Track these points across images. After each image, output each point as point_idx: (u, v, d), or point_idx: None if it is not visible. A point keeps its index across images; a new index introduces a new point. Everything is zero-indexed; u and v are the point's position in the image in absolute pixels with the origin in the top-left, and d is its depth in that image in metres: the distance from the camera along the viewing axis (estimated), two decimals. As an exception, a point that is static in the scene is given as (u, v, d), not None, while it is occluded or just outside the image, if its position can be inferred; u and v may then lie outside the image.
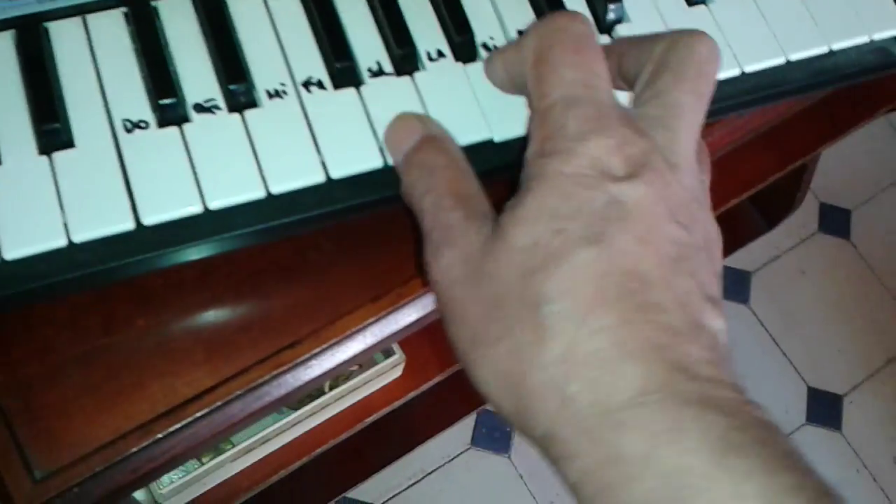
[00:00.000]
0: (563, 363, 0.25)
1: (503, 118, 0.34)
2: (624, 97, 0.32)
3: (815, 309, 1.39)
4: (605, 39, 0.37)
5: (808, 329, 1.37)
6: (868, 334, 1.38)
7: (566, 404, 0.25)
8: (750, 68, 0.37)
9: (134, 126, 0.31)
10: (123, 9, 0.33)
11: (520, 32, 0.36)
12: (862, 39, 0.39)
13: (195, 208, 0.30)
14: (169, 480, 0.60)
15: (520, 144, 0.32)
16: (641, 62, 0.31)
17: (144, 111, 0.32)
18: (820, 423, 1.32)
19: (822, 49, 0.38)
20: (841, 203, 1.48)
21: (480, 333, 0.27)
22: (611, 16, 0.36)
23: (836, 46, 0.38)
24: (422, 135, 0.32)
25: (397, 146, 0.32)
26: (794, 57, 0.38)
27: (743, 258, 1.36)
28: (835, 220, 1.46)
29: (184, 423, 0.33)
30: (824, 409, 1.33)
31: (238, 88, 0.32)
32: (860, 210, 1.48)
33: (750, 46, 0.37)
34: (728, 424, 0.23)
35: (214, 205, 0.31)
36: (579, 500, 0.25)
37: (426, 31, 0.35)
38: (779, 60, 0.37)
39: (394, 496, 1.18)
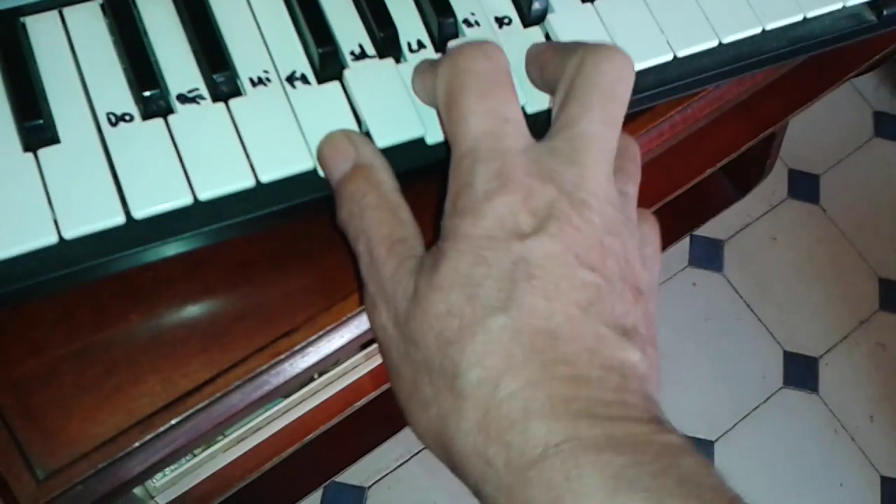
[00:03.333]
0: (481, 431, 0.26)
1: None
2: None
3: (788, 274, 1.41)
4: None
5: (782, 294, 1.40)
6: (840, 297, 1.41)
7: (487, 467, 0.26)
8: (728, 39, 0.38)
9: (118, 119, 0.31)
10: (100, 0, 0.33)
11: (497, 20, 0.36)
12: (836, 6, 0.40)
13: (185, 200, 0.30)
14: (162, 473, 0.60)
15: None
16: (558, 76, 0.31)
17: (128, 104, 0.31)
18: (797, 386, 1.34)
19: (797, 17, 0.39)
20: (809, 169, 1.50)
21: (414, 394, 0.29)
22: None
23: (811, 14, 0.39)
24: (353, 162, 0.31)
25: (329, 170, 0.32)
26: (770, 26, 0.38)
27: (715, 227, 1.38)
28: (804, 186, 1.48)
29: (184, 415, 0.33)
30: (801, 372, 1.35)
31: (221, 77, 0.32)
32: (828, 175, 1.50)
33: (727, 17, 0.37)
34: (623, 462, 0.25)
35: (204, 195, 0.30)
36: None
37: (407, 22, 0.35)
38: (755, 30, 0.38)
39: (382, 478, 1.19)
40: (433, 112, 0.33)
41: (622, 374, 0.27)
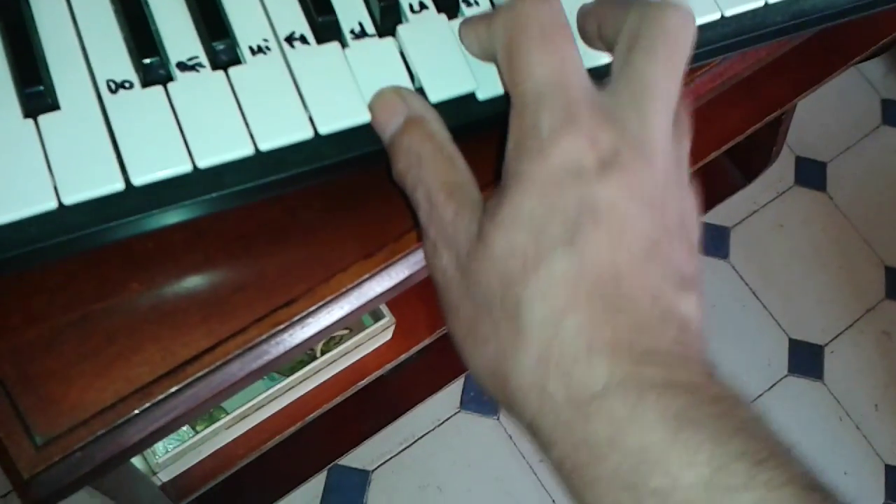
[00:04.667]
0: (541, 365, 0.27)
1: (488, 75, 0.34)
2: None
3: (794, 261, 1.41)
4: None
5: (788, 281, 1.39)
6: (846, 285, 1.40)
7: (545, 400, 0.27)
8: (730, 12, 0.37)
9: (118, 86, 0.31)
10: (101, -30, 0.33)
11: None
12: (839, -20, 0.39)
13: (184, 167, 0.30)
14: (164, 450, 0.60)
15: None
16: (618, 28, 0.31)
17: (128, 71, 0.31)
18: (802, 374, 1.34)
19: (801, -10, 0.38)
20: (816, 156, 1.49)
21: (472, 332, 0.29)
22: None
23: (815, -13, 0.39)
24: (405, 115, 0.32)
25: (382, 127, 0.32)
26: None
27: (721, 213, 1.37)
28: (811, 173, 1.47)
29: (183, 384, 0.33)
30: (806, 359, 1.35)
31: (221, 45, 0.32)
32: (835, 162, 1.49)
33: (731, -11, 0.37)
34: (684, 403, 0.26)
35: (203, 163, 0.30)
36: (560, 478, 0.28)
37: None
38: (758, 3, 0.38)
39: (385, 461, 1.19)
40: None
41: (681, 325, 0.28)
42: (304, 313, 0.35)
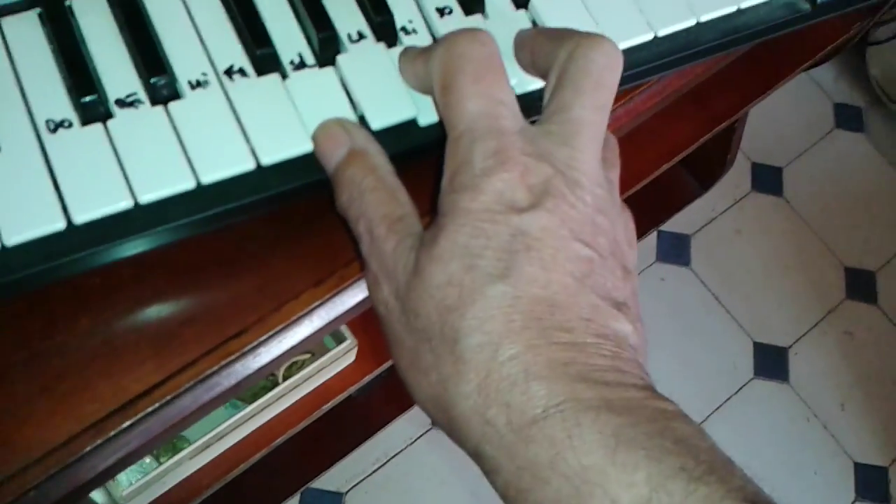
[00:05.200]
0: (481, 392, 0.28)
1: (428, 101, 0.34)
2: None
3: (755, 266, 1.43)
4: (521, 14, 0.37)
5: (749, 286, 1.41)
6: (807, 287, 1.43)
7: (487, 427, 0.28)
8: (663, 32, 0.38)
9: (57, 126, 0.31)
10: (37, 10, 0.33)
11: (439, 11, 0.37)
12: (769, -4, 0.40)
13: (126, 203, 0.30)
14: (128, 482, 0.60)
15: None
16: (549, 62, 0.32)
17: (67, 110, 0.32)
18: (768, 377, 1.36)
19: (731, 8, 0.39)
20: (772, 161, 1.52)
21: (415, 362, 0.30)
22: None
23: (745, 4, 0.40)
24: (348, 148, 0.32)
25: (326, 158, 0.33)
26: (705, 18, 0.39)
27: (681, 222, 1.39)
28: (767, 179, 1.50)
29: (135, 419, 0.33)
30: (771, 362, 1.37)
31: (159, 81, 0.32)
32: (791, 167, 1.52)
33: (661, 10, 0.38)
34: (621, 422, 0.26)
35: (145, 198, 0.31)
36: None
37: (345, 14, 0.36)
38: (690, 22, 0.39)
39: (359, 482, 1.19)
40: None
41: (616, 343, 0.29)
42: (255, 343, 0.35)
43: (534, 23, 0.37)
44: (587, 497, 0.25)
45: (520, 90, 0.35)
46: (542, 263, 0.28)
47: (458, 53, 0.31)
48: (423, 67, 0.33)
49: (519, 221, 0.29)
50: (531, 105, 0.34)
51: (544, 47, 0.33)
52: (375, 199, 0.31)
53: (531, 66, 0.35)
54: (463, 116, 0.30)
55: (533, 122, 0.32)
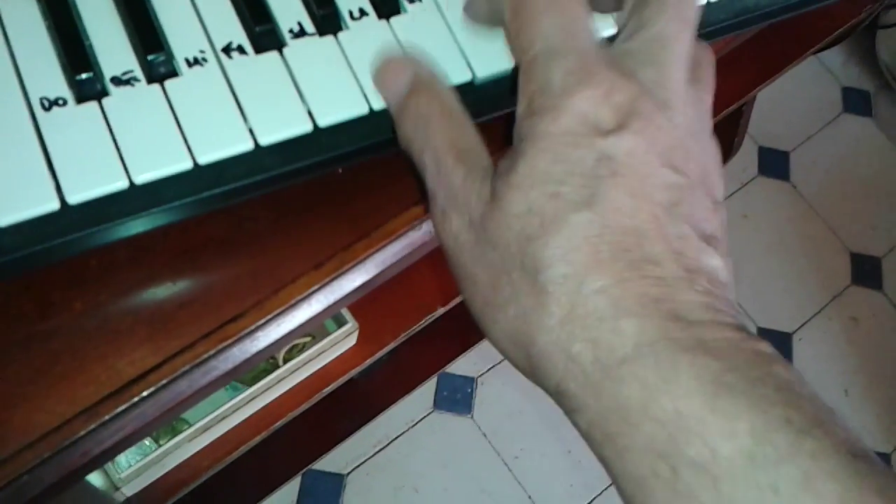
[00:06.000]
0: (566, 325, 0.26)
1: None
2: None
3: (760, 251, 1.42)
4: None
5: (755, 271, 1.41)
6: (812, 272, 1.42)
7: (571, 363, 0.26)
8: (673, 11, 0.37)
9: (52, 104, 0.30)
10: (32, -16, 0.32)
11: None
12: (781, -24, 0.39)
13: (121, 184, 0.30)
14: (127, 464, 0.60)
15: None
16: None
17: (62, 88, 0.31)
18: (771, 362, 1.35)
19: (742, -12, 0.39)
20: (779, 146, 1.51)
21: (490, 298, 0.28)
22: None
23: (756, -16, 0.39)
24: (413, 78, 0.31)
25: (388, 90, 0.32)
26: (715, -2, 0.38)
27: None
28: (774, 163, 1.49)
29: (129, 403, 0.32)
30: (775, 347, 1.36)
31: (156, 58, 0.31)
32: (798, 151, 1.51)
33: (671, -11, 0.37)
34: (720, 367, 0.24)
35: (140, 179, 0.30)
36: (591, 446, 0.26)
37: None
38: (700, 2, 0.38)
39: (360, 464, 1.19)
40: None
41: (708, 278, 0.27)
42: (252, 327, 0.34)
43: None
44: (683, 445, 0.24)
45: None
46: (629, 190, 0.26)
47: None
48: None
49: (604, 145, 0.27)
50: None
51: None
52: (443, 128, 0.30)
53: None
54: (539, 34, 0.28)
55: (614, 44, 0.30)
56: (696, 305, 0.26)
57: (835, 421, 0.24)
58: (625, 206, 0.26)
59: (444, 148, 0.30)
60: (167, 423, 0.59)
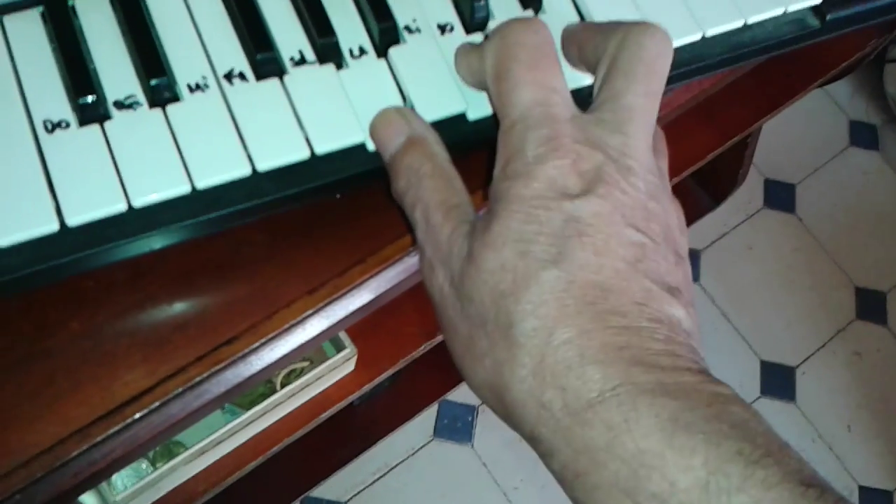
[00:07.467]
0: (537, 375, 0.28)
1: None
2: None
3: (764, 283, 1.42)
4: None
5: (758, 304, 1.40)
6: (817, 306, 1.42)
7: (543, 410, 0.28)
8: (670, 45, 0.38)
9: (55, 126, 0.31)
10: (40, 8, 0.33)
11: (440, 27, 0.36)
12: (777, 11, 0.40)
13: (119, 206, 0.30)
14: (123, 486, 0.60)
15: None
16: (598, 54, 0.32)
17: (64, 110, 0.31)
18: (774, 396, 1.34)
19: (737, 23, 0.39)
20: (785, 178, 1.51)
21: (469, 347, 0.30)
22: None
23: (752, 20, 0.39)
24: (407, 135, 0.33)
25: (384, 144, 0.33)
26: (711, 32, 0.38)
27: (691, 237, 1.38)
28: (780, 195, 1.49)
29: (122, 425, 0.33)
30: (778, 381, 1.36)
31: (158, 83, 0.32)
32: (804, 184, 1.51)
33: (667, 24, 0.37)
34: (678, 406, 0.26)
35: (139, 202, 0.30)
36: (564, 489, 0.28)
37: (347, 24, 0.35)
38: (695, 37, 0.38)
39: (359, 492, 1.18)
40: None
41: (670, 327, 0.29)
42: (246, 350, 0.35)
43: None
44: (645, 480, 0.26)
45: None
46: (594, 249, 0.29)
47: (513, 41, 0.31)
48: (477, 59, 0.33)
49: (571, 207, 0.29)
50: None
51: (593, 39, 0.33)
52: (433, 186, 0.32)
53: (579, 59, 0.35)
54: (517, 104, 0.31)
55: (585, 110, 0.32)
56: (657, 352, 0.28)
57: (788, 453, 0.26)
58: (590, 263, 0.28)
59: (433, 205, 0.31)
60: (160, 445, 0.59)
